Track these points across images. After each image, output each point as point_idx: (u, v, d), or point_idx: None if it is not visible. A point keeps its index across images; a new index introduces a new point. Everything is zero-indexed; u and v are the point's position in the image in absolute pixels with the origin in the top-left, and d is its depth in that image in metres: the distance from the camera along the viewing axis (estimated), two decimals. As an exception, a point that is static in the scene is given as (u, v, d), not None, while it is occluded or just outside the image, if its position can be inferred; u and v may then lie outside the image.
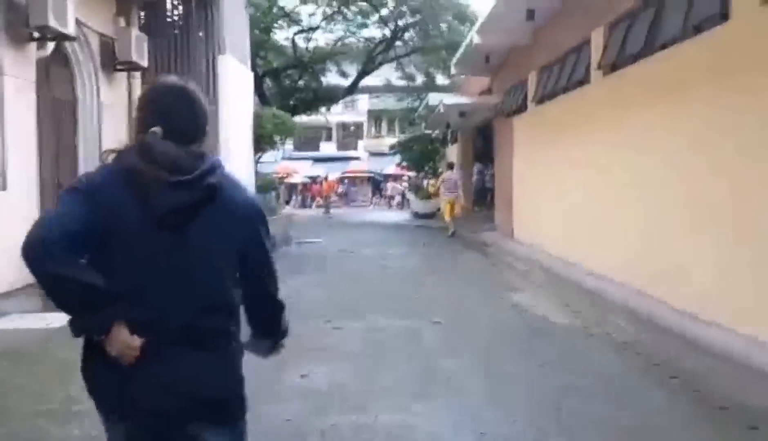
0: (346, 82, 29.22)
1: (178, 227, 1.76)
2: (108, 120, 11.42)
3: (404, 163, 26.16)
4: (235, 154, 13.18)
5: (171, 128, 1.83)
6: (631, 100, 7.93)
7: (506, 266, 10.54)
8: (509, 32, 12.43)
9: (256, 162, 15.51)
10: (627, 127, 8.12)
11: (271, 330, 2.12)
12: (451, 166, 19.39)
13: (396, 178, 38.76)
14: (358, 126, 48.66)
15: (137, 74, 12.31)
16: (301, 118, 28.53)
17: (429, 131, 25.63)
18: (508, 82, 14.69)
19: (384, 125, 49.48)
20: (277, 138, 14.93)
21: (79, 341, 1.82)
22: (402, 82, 27.60)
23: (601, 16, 8.96)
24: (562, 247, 10.51)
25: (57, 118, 10.33)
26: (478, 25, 12.48)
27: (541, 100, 12.02)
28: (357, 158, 46.12)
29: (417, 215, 23.57)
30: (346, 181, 41.94)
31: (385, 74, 29.02)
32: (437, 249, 13.28)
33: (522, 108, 13.32)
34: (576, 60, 10.10)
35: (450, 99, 15.81)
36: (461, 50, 14.72)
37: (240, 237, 1.89)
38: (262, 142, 14.78)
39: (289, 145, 46.44)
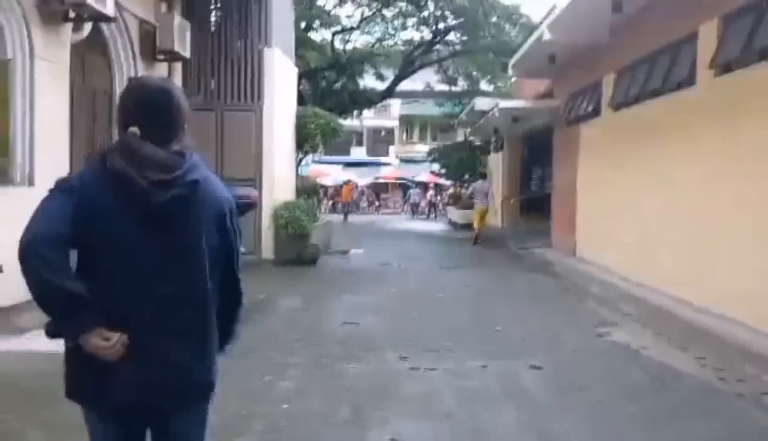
0: (382, 86, 28.30)
1: (161, 224, 1.86)
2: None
3: (441, 171, 24.94)
4: (277, 156, 12.16)
5: (149, 127, 1.89)
6: (753, 104, 6.76)
7: (581, 291, 9.36)
8: (586, 28, 11.24)
9: (298, 164, 14.48)
10: (745, 136, 6.94)
11: (226, 330, 2.13)
12: (483, 176, 18.41)
13: (421, 185, 37.54)
14: (390, 131, 47.61)
15: (178, 66, 11.34)
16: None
17: (471, 138, 24.45)
18: (573, 85, 13.49)
19: (416, 131, 48.41)
20: (320, 140, 13.85)
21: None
22: (443, 86, 26.41)
23: (712, 7, 7.77)
24: (641, 270, 9.30)
25: (92, 109, 9.39)
26: (550, 19, 11.31)
27: (620, 106, 10.82)
28: (388, 164, 45.08)
29: (456, 226, 22.45)
30: (366, 187, 40.58)
31: (424, 78, 27.91)
32: (495, 267, 12.12)
33: (593, 114, 12.12)
34: (673, 59, 8.90)
35: (506, 102, 14.67)
36: (524, 48, 13.56)
37: (217, 232, 1.98)
38: (304, 143, 13.74)
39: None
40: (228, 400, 4.22)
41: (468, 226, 21.06)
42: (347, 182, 33.44)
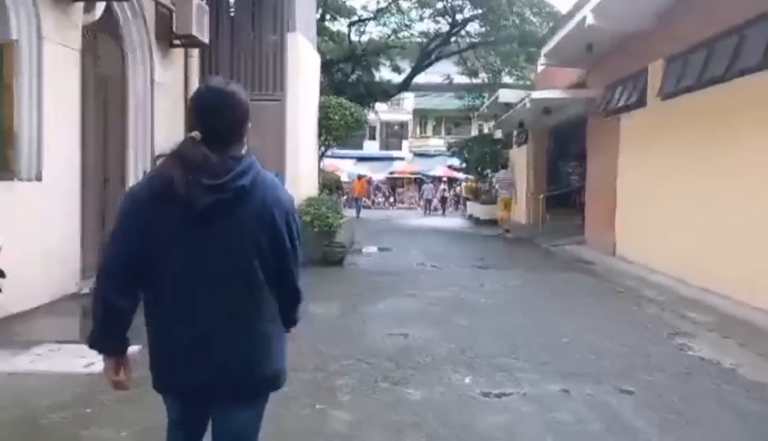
0: (399, 78, 27.49)
1: (208, 226, 1.97)
2: (161, 102, 9.69)
3: (461, 165, 24.07)
4: (302, 148, 11.39)
5: (209, 131, 1.99)
6: None
7: (634, 294, 8.56)
8: (632, 13, 10.44)
9: (321, 157, 13.70)
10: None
11: (287, 318, 2.20)
12: (504, 166, 17.74)
13: (436, 180, 36.68)
14: (403, 125, 46.74)
15: (195, 52, 10.60)
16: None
17: (491, 131, 23.61)
18: (612, 74, 12.66)
19: (430, 125, 47.55)
20: (343, 132, 13.07)
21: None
22: (463, 78, 25.53)
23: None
24: (701, 273, 8.50)
25: (104, 96, 8.63)
26: (593, 3, 10.48)
27: (670, 95, 9.99)
28: (401, 158, 44.26)
29: (478, 221, 21.63)
30: (381, 182, 39.75)
31: (443, 70, 27.06)
32: (530, 265, 11.31)
33: (636, 104, 11.29)
34: (737, 44, 8.07)
35: (539, 93, 13.84)
36: (560, 35, 12.72)
37: (268, 232, 2.03)
38: (328, 135, 12.97)
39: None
40: (284, 437, 3.47)
41: (491, 222, 20.30)
42: (360, 177, 32.40)
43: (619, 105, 12.12)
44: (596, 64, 13.54)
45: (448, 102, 43.07)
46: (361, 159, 43.00)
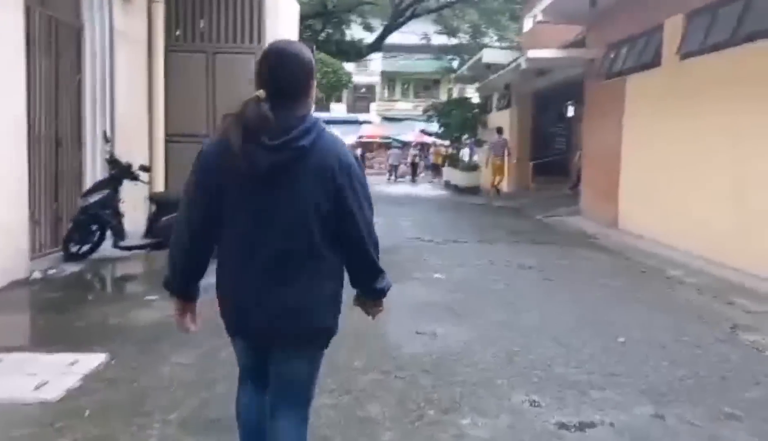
0: (371, 38, 26.12)
1: (268, 184, 2.02)
2: (123, 54, 8.34)
3: (439, 130, 22.95)
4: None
5: (273, 90, 2.05)
6: None
7: (661, 275, 7.72)
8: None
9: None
10: None
11: (364, 284, 2.25)
12: (499, 131, 16.89)
13: (404, 145, 35.55)
14: (370, 88, 45.24)
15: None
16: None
17: (462, 94, 22.50)
18: (617, 31, 11.68)
19: (398, 89, 46.18)
20: (326, 92, 11.84)
21: None
22: (442, 39, 24.27)
23: None
24: (727, 250, 7.71)
25: (55, 46, 7.27)
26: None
27: (692, 53, 9.06)
28: (369, 122, 42.92)
29: (456, 189, 20.62)
30: (352, 146, 38.43)
31: (420, 29, 25.75)
32: (532, 240, 10.37)
33: (648, 64, 10.34)
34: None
35: (536, 52, 12.78)
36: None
37: (328, 191, 2.04)
38: (308, 96, 11.74)
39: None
40: None
41: (471, 190, 19.37)
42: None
43: (626, 65, 11.17)
44: (597, 22, 12.53)
45: (418, 64, 41.77)
46: (329, 122, 41.31)
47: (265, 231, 2.06)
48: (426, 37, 24.72)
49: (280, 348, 2.20)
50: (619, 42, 11.63)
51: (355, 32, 26.55)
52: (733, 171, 7.99)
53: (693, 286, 7.07)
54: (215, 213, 2.09)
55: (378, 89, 45.12)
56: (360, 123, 42.26)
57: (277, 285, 2.08)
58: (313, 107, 2.19)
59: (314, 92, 2.22)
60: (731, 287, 6.94)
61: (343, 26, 25.89)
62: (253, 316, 2.14)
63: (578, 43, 13.51)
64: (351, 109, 44.39)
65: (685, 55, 9.25)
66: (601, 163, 12.14)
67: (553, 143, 18.73)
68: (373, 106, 44.38)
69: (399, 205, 15.83)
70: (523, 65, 13.04)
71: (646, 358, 4.54)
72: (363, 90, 45.05)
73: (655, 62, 10.14)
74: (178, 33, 9.88)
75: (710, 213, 8.43)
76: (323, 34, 24.97)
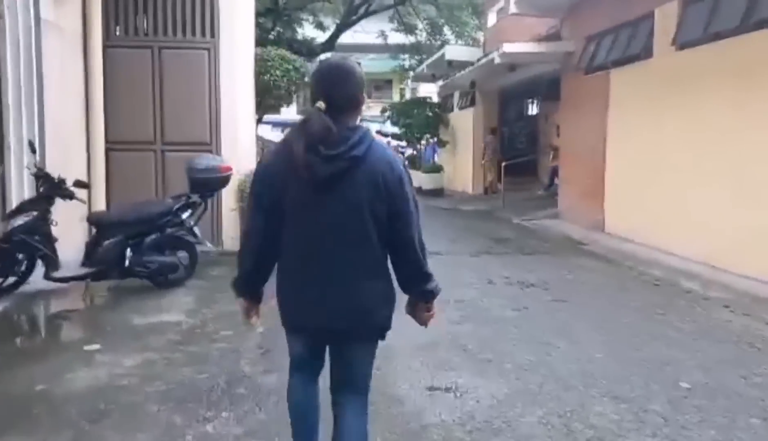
0: (323, 37, 24.91)
1: (327, 192, 2.15)
2: (53, 49, 7.03)
3: (399, 131, 21.91)
4: (241, 111, 8.94)
5: (330, 102, 2.15)
6: None
7: (678, 289, 6.93)
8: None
9: (258, 123, 11.24)
10: None
11: (415, 286, 2.34)
12: (493, 131, 15.94)
13: None
14: (321, 89, 43.82)
15: (97, -17, 7.92)
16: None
17: (414, 93, 21.55)
18: (595, 23, 10.89)
19: (349, 88, 44.85)
20: (287, 91, 10.68)
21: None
22: (399, 37, 23.23)
23: None
24: (745, 259, 6.95)
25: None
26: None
27: (692, 43, 8.28)
28: (321, 124, 41.51)
29: (420, 191, 19.65)
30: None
31: (374, 28, 24.68)
32: (525, 250, 9.47)
33: (636, 56, 9.56)
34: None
35: (512, 45, 11.89)
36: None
37: (380, 195, 2.15)
38: (268, 96, 10.53)
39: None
40: None
41: (435, 193, 18.47)
42: None
43: (610, 58, 10.38)
44: (574, 13, 11.73)
45: (371, 64, 40.58)
46: (278, 125, 40.01)
47: (325, 235, 2.18)
48: (383, 34, 23.62)
49: (341, 343, 2.35)
50: (599, 34, 10.85)
51: (307, 31, 25.37)
52: (739, 169, 7.24)
53: (718, 302, 6.24)
54: (278, 220, 2.22)
55: (329, 90, 43.71)
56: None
57: (337, 286, 2.21)
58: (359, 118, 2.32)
59: (363, 105, 2.30)
60: (758, 302, 6.15)
61: (295, 24, 24.71)
62: (314, 316, 2.27)
63: (552, 37, 12.70)
64: (302, 111, 43.02)
65: (682, 45, 8.48)
66: (583, 162, 11.35)
67: (520, 143, 17.98)
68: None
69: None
70: (497, 60, 12.15)
71: (729, 413, 3.60)
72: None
73: (644, 54, 9.36)
74: (118, 27, 8.58)
75: (712, 215, 7.68)
76: (273, 33, 23.70)
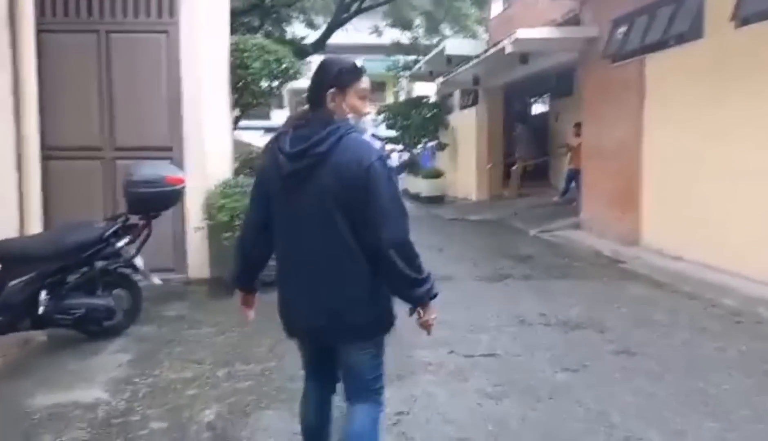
0: (314, 36, 23.28)
1: (297, 188, 2.14)
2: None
3: (396, 134, 20.25)
4: (208, 109, 7.28)
5: (307, 100, 2.26)
6: None
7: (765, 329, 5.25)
8: None
9: (234, 127, 9.56)
10: None
11: (396, 292, 2.20)
12: (522, 120, 13.84)
13: None
14: (313, 92, 42.15)
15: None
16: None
17: (409, 94, 19.90)
18: (622, 4, 9.28)
19: (342, 92, 43.19)
20: (268, 87, 9.05)
21: None
22: (394, 33, 21.59)
23: None
24: None
25: None
26: None
27: (754, 17, 6.69)
28: (313, 128, 39.91)
29: (418, 198, 17.96)
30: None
31: (368, 25, 23.07)
32: (554, 271, 7.84)
33: (682, 37, 7.96)
34: None
35: (527, 31, 10.24)
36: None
37: (344, 192, 2.07)
38: (245, 92, 8.88)
39: (236, 112, 39.90)
40: None
41: (435, 200, 16.84)
42: None
43: (645, 42, 8.77)
44: (597, -6, 10.12)
45: (381, 63, 39.02)
46: (270, 130, 38.29)
47: (298, 233, 2.18)
48: (377, 30, 21.97)
49: (332, 343, 2.28)
50: (629, 15, 9.23)
51: (297, 30, 23.76)
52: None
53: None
54: (267, 214, 2.27)
55: (321, 93, 42.01)
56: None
57: (313, 284, 2.18)
58: (354, 116, 2.23)
59: (340, 100, 2.20)
60: None
61: (284, 23, 23.10)
62: (295, 315, 2.29)
63: (569, 23, 11.09)
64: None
65: (744, 20, 6.87)
66: (611, 164, 9.73)
67: (533, 144, 16.35)
68: (317, 111, 41.34)
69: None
70: (509, 49, 10.50)
71: None
72: (305, 95, 41.90)
73: (691, 34, 7.75)
74: (55, 6, 6.93)
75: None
76: (261, 32, 22.04)
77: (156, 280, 5.03)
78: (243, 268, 2.44)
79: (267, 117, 40.58)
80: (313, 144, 2.08)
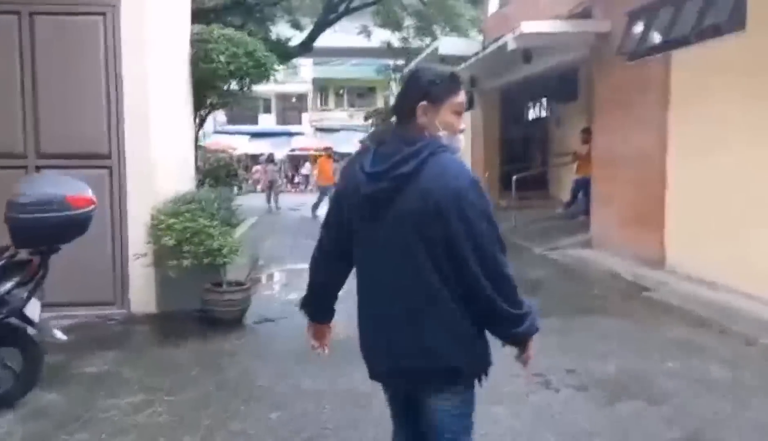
0: (300, 37, 22.00)
1: (374, 214, 1.85)
2: None
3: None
4: (156, 108, 5.96)
5: (393, 113, 2.03)
6: None
7: None
8: None
9: (199, 128, 8.22)
10: None
11: (492, 331, 1.91)
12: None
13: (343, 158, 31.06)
14: (301, 97, 40.91)
15: None
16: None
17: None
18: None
19: (331, 97, 42.08)
20: (239, 84, 7.77)
21: None
22: (382, 32, 20.33)
23: None
24: None
25: None
26: None
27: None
28: (301, 133, 38.71)
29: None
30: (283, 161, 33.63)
31: (356, 25, 21.82)
32: (566, 301, 6.59)
33: (718, 30, 6.75)
34: None
35: (532, 24, 8.97)
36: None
37: (429, 221, 1.79)
38: (208, 90, 7.58)
39: (221, 117, 38.52)
40: None
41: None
42: (326, 150, 20.28)
43: (671, 36, 7.56)
44: (612, -17, 8.90)
45: (352, 70, 37.94)
46: (256, 135, 37.10)
47: (379, 263, 1.89)
48: (366, 30, 20.67)
49: (413, 390, 1.97)
50: (649, 7, 8.03)
51: (282, 30, 22.49)
52: None
53: None
54: (344, 238, 1.98)
55: (310, 98, 40.79)
56: (292, 135, 38.05)
57: (393, 321, 1.89)
58: (446, 134, 1.89)
59: (432, 115, 1.87)
60: None
61: (268, 23, 21.83)
62: (375, 355, 1.99)
63: (578, 17, 9.87)
64: (281, 120, 40.06)
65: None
66: (628, 175, 8.49)
67: (527, 151, 15.12)
68: (305, 116, 40.08)
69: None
70: (511, 45, 9.26)
71: None
72: (293, 100, 40.75)
73: (730, 26, 6.55)
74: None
75: None
76: (244, 32, 20.73)
77: (59, 334, 3.70)
78: (313, 296, 2.16)
79: (254, 121, 39.58)
80: (396, 163, 1.81)
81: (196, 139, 8.08)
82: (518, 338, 1.89)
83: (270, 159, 22.34)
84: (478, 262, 1.78)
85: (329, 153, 17.96)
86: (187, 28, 7.19)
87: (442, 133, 1.87)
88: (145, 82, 5.78)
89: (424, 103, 1.86)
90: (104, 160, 5.66)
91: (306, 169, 31.76)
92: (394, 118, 1.95)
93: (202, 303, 5.50)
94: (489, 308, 1.82)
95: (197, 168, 7.98)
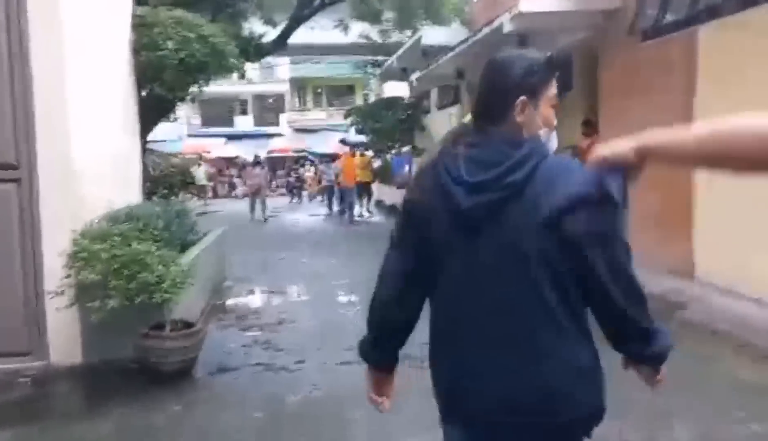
0: (273, 33, 20.77)
1: (474, 230, 1.49)
2: None
3: (366, 139, 17.73)
4: (81, 105, 4.70)
5: (478, 111, 1.58)
6: None
7: None
8: None
9: (147, 130, 6.93)
10: None
11: (627, 351, 1.54)
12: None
13: (330, 159, 29.53)
14: (278, 97, 39.53)
15: None
16: (209, 86, 18.42)
17: (378, 94, 17.49)
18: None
19: (309, 97, 40.80)
20: (190, 78, 6.53)
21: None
22: (361, 25, 19.15)
23: None
24: None
25: None
26: None
27: None
28: (279, 134, 37.42)
29: (393, 211, 15.56)
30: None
31: (332, 19, 20.62)
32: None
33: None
34: None
35: (531, 3, 7.80)
36: None
37: (552, 240, 1.43)
38: (157, 85, 6.32)
39: (196, 119, 37.08)
40: None
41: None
42: (352, 147, 19.42)
43: (697, 9, 6.45)
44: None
45: (330, 68, 36.70)
46: (232, 137, 35.76)
47: (475, 288, 1.51)
48: (342, 24, 19.45)
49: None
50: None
51: (255, 27, 21.23)
52: None
53: None
54: (420, 263, 1.59)
55: (287, 98, 39.45)
56: (270, 136, 36.74)
57: (503, 354, 1.49)
58: (546, 132, 1.55)
59: (531, 111, 1.51)
60: None
61: (240, 19, 20.54)
62: (472, 397, 1.54)
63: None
64: (258, 121, 38.67)
65: None
66: (649, 170, 7.37)
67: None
68: (283, 117, 38.74)
69: (337, 250, 10.53)
70: (507, 27, 8.11)
71: None
72: (270, 100, 39.39)
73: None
74: None
75: None
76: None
77: None
78: (380, 333, 1.69)
79: (230, 124, 38.19)
80: (507, 170, 1.43)
81: (145, 141, 6.82)
82: (655, 358, 1.53)
83: (257, 161, 20.92)
84: (617, 288, 1.45)
85: (354, 152, 17.23)
86: (127, 10, 5.95)
87: (542, 132, 1.57)
88: (62, 74, 4.52)
89: (523, 97, 1.52)
90: (10, 171, 4.41)
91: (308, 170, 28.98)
92: (470, 118, 1.59)
93: (137, 350, 4.27)
94: (628, 329, 1.49)
95: (147, 176, 6.73)
